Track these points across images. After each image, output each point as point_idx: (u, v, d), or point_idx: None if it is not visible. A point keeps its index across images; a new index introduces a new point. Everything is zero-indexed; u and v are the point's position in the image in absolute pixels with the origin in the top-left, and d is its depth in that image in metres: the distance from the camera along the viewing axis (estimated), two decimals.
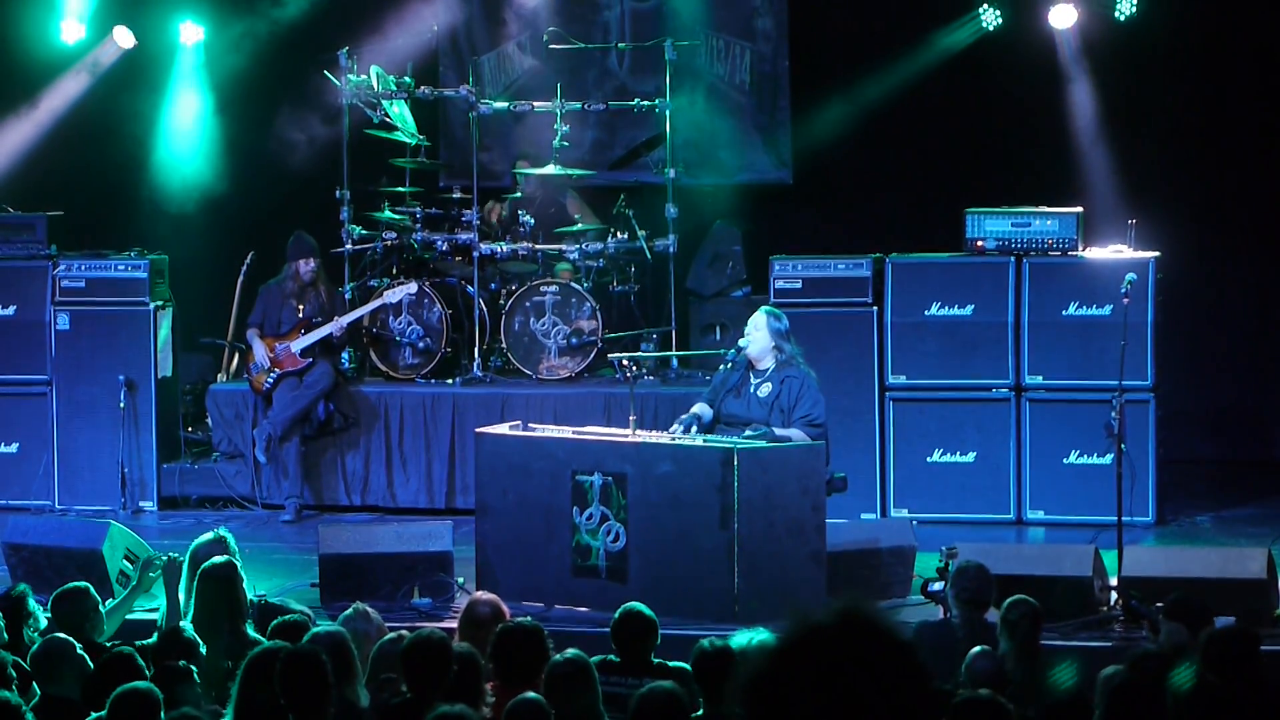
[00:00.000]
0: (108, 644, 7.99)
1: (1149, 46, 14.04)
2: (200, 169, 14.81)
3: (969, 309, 12.62)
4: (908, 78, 14.41)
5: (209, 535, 9.07)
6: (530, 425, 10.89)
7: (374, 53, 14.10)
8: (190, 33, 14.75)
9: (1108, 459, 11.82)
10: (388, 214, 13.68)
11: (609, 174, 14.85)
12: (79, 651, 7.37)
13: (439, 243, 13.65)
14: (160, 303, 13.52)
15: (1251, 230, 14.64)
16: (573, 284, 13.41)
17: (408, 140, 13.87)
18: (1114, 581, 9.86)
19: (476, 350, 13.45)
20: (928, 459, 12.61)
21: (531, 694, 6.50)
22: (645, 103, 13.83)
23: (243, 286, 14.01)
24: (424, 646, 6.78)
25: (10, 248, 13.60)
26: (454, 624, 8.32)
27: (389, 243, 13.71)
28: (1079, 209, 12.76)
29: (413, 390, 13.36)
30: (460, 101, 14.12)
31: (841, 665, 3.01)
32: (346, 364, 13.49)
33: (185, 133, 14.93)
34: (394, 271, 13.80)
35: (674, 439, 10.34)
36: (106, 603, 8.95)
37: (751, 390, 10.69)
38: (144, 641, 7.79)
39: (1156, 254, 12.44)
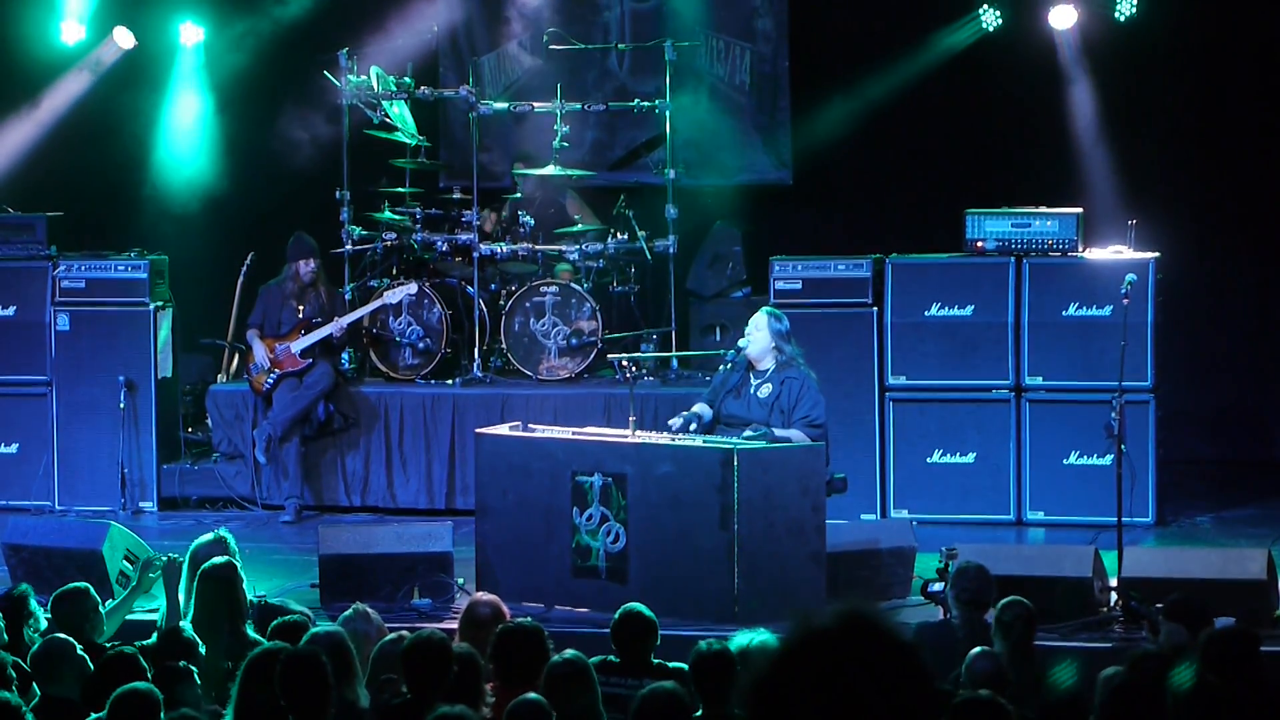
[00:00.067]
0: (108, 644, 7.98)
1: (1149, 47, 14.05)
2: (200, 169, 14.83)
3: (969, 310, 12.62)
4: (908, 78, 14.41)
5: (209, 536, 9.07)
6: (530, 426, 10.88)
7: (374, 53, 14.10)
8: (190, 33, 14.76)
9: (1108, 460, 11.82)
10: (388, 214, 13.68)
11: (609, 174, 14.86)
12: (79, 652, 7.36)
13: (439, 243, 13.65)
14: (160, 303, 13.51)
15: (1251, 230, 14.64)
16: (573, 285, 13.40)
17: (408, 141, 13.87)
18: (1114, 582, 9.86)
19: (476, 351, 13.44)
20: (928, 460, 12.60)
21: (531, 694, 6.50)
22: (645, 103, 13.83)
23: (243, 287, 14.00)
24: (424, 647, 6.79)
25: (10, 248, 13.58)
26: (454, 625, 8.32)
27: (389, 243, 13.71)
28: (1079, 209, 12.76)
29: (413, 391, 13.35)
30: (460, 102, 14.11)
31: (844, 667, 3.01)
32: (346, 364, 13.49)
33: (185, 133, 14.94)
34: (394, 272, 13.80)
35: (674, 439, 10.33)
36: (106, 603, 8.94)
37: (751, 391, 10.69)
38: (144, 642, 7.78)
39: (1156, 254, 12.44)
